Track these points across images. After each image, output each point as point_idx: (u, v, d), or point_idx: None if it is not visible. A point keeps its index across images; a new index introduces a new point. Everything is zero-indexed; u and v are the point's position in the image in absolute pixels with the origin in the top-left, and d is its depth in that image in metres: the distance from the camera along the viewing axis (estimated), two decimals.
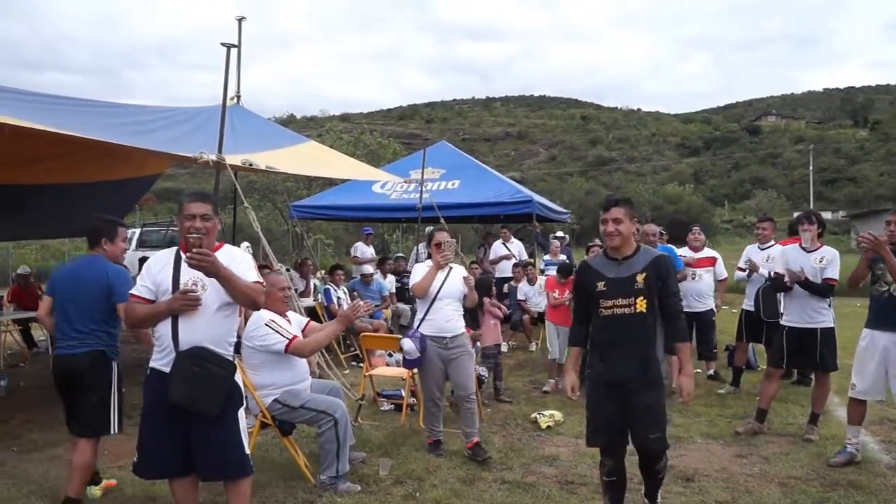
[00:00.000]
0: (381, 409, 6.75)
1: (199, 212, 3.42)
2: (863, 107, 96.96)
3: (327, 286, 9.73)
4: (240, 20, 7.42)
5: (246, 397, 3.93)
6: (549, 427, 6.02)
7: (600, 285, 3.70)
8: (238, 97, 8.85)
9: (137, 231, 19.36)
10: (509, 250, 11.85)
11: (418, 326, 5.43)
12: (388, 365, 7.70)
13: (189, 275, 3.42)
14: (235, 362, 3.62)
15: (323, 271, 11.28)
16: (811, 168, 55.56)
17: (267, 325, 4.58)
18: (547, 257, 11.58)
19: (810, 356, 5.66)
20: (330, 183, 15.36)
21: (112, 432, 4.38)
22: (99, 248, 4.54)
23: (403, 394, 6.50)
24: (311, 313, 9.02)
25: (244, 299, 3.47)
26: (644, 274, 3.63)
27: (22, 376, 8.21)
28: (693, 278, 7.75)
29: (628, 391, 3.64)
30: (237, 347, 3.73)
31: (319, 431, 4.58)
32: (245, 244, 6.76)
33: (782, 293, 6.10)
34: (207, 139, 6.77)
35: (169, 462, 3.49)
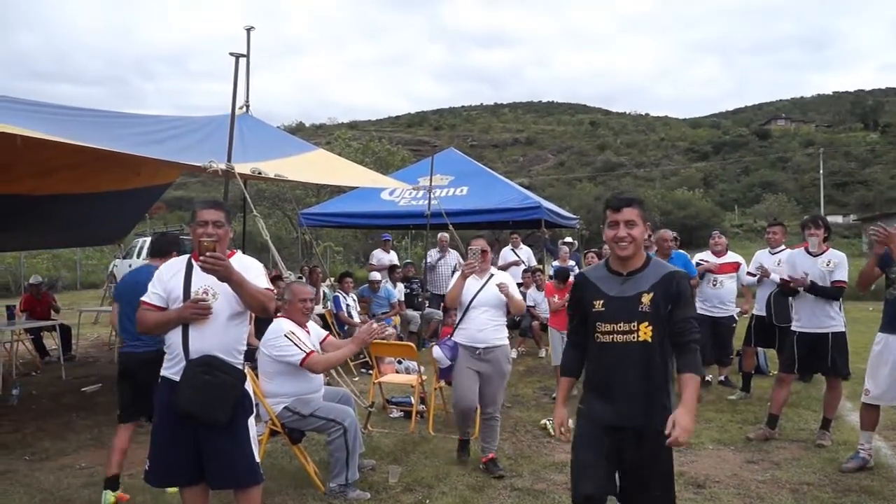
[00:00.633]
0: (391, 416, 6.75)
1: (211, 218, 3.44)
2: (873, 110, 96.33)
3: (336, 294, 9.75)
4: (248, 30, 7.47)
5: (256, 405, 3.94)
6: None
7: (597, 304, 2.98)
8: (247, 106, 8.90)
9: (147, 240, 19.47)
10: (518, 256, 11.85)
11: (452, 334, 5.29)
12: (397, 372, 7.70)
13: (200, 283, 3.44)
14: (245, 370, 3.63)
15: (332, 279, 11.30)
16: (821, 172, 55.29)
17: (286, 336, 4.60)
18: (556, 263, 11.55)
19: (822, 361, 5.63)
20: (339, 190, 15.40)
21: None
22: (159, 260, 4.68)
23: (413, 401, 6.50)
24: (321, 321, 9.04)
25: (256, 305, 3.48)
26: (651, 294, 2.90)
27: (34, 385, 8.26)
28: (714, 285, 7.56)
29: (627, 440, 2.94)
30: (248, 355, 3.74)
31: (329, 439, 4.59)
32: (289, 274, 6.75)
33: (792, 297, 6.06)
34: (217, 148, 6.82)
35: (179, 470, 3.50)
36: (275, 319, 4.74)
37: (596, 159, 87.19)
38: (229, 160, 6.52)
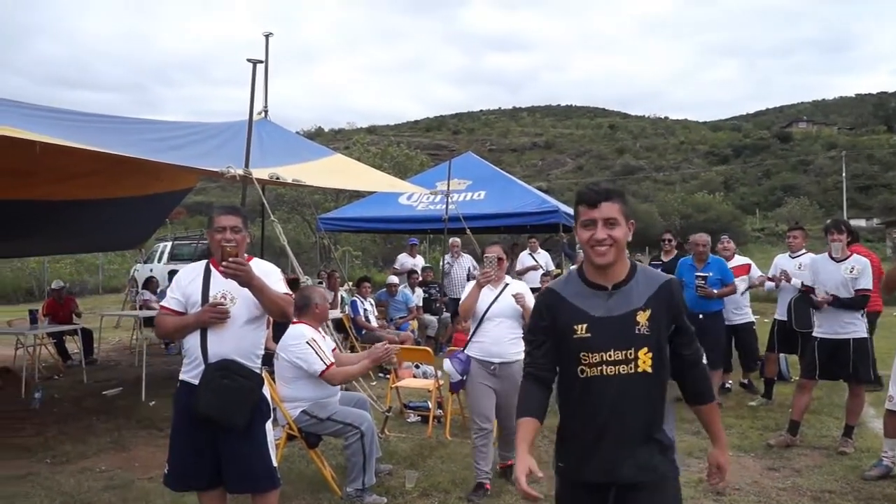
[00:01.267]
0: (408, 420, 6.74)
1: (229, 224, 3.46)
2: None
3: (354, 298, 9.78)
4: (267, 36, 7.53)
5: (273, 409, 3.96)
6: None
7: (580, 329, 2.32)
8: (265, 111, 8.97)
9: (168, 245, 19.65)
10: (536, 261, 11.82)
11: (465, 347, 5.01)
12: (414, 377, 7.70)
13: (218, 287, 3.47)
14: (263, 375, 3.65)
15: (350, 283, 11.34)
16: (844, 175, 54.66)
17: (308, 343, 4.62)
18: (573, 267, 11.50)
19: (843, 367, 5.54)
20: (357, 195, 15.46)
21: None
22: None
23: (430, 405, 6.50)
24: (338, 325, 9.08)
25: (275, 310, 3.51)
26: (648, 311, 2.31)
27: (56, 388, 8.35)
28: None
29: (623, 499, 2.35)
30: (265, 360, 3.76)
31: (346, 444, 4.60)
32: (306, 279, 6.79)
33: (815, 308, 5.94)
34: (235, 153, 6.88)
35: (197, 474, 3.52)
36: (294, 324, 4.75)
37: (615, 163, 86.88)
38: (247, 165, 6.56)
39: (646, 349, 2.29)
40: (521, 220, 12.27)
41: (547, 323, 2.42)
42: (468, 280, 9.22)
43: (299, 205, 24.91)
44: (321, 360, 4.59)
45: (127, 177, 7.91)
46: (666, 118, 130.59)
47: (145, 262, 18.52)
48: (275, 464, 3.63)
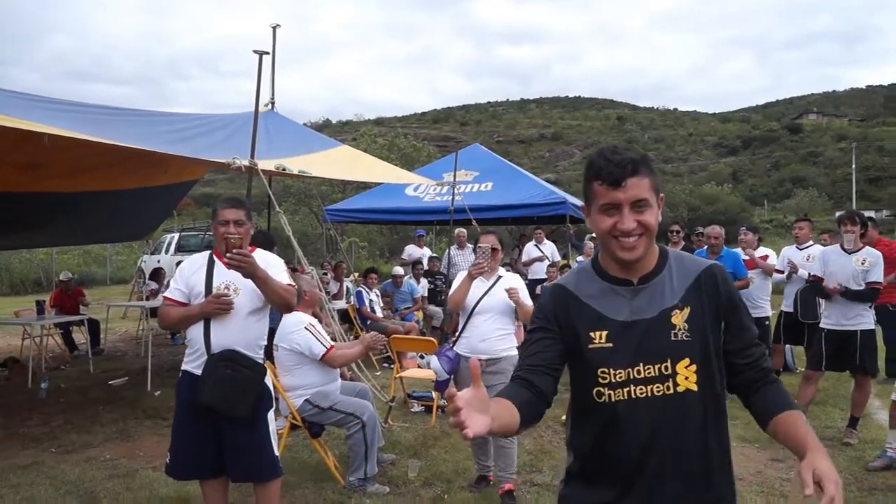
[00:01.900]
0: (412, 410, 6.76)
1: (232, 217, 3.48)
2: None
3: (359, 289, 9.79)
4: (274, 28, 7.51)
5: (276, 399, 3.97)
6: None
7: (598, 338, 1.77)
8: (272, 103, 8.96)
9: (176, 236, 19.71)
10: (542, 252, 11.80)
11: (454, 343, 4.77)
12: (419, 367, 7.71)
13: (222, 278, 3.49)
14: (266, 365, 3.67)
15: (356, 274, 11.35)
16: (854, 166, 54.32)
17: (307, 329, 4.65)
18: (580, 258, 11.49)
19: (850, 358, 5.52)
20: (364, 186, 15.48)
21: None
22: None
23: (434, 396, 6.51)
24: (344, 316, 9.10)
25: (278, 301, 3.53)
26: (686, 309, 1.76)
27: (62, 379, 8.40)
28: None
29: None
30: (268, 350, 3.78)
31: (348, 434, 4.62)
32: (311, 270, 6.84)
33: (825, 299, 5.91)
34: (242, 145, 6.88)
35: (200, 463, 3.54)
36: (294, 314, 4.76)
37: None
38: (253, 157, 6.56)
39: (687, 360, 1.73)
40: (528, 211, 12.23)
41: (554, 329, 1.82)
42: None
43: (306, 196, 24.93)
44: (321, 343, 4.62)
45: (135, 168, 7.93)
46: (675, 109, 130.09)
47: (153, 254, 18.58)
48: (277, 453, 3.65)
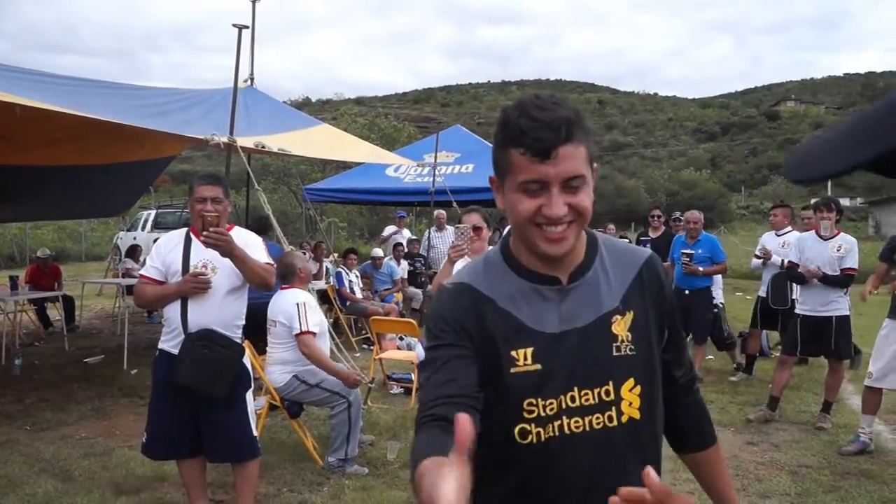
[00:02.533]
0: (391, 392, 6.76)
1: (209, 195, 3.42)
2: (883, 92, 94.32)
3: (339, 269, 9.74)
4: (253, 1, 7.39)
5: (255, 379, 3.94)
6: None
7: (522, 359, 1.32)
8: (252, 79, 8.82)
9: (152, 213, 19.47)
10: None
11: None
12: (398, 349, 7.70)
13: (199, 257, 3.44)
14: (244, 345, 3.63)
15: (335, 254, 11.29)
16: None
17: (297, 305, 4.61)
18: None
19: (825, 344, 5.59)
20: (344, 166, 15.36)
21: None
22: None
23: (413, 377, 6.50)
24: (323, 296, 9.05)
25: (256, 280, 3.49)
26: (629, 313, 1.38)
27: (36, 355, 8.29)
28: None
29: None
30: (247, 329, 3.74)
31: (332, 413, 4.59)
32: (291, 249, 6.83)
33: (799, 284, 5.98)
34: (220, 121, 6.77)
35: (177, 443, 3.52)
36: (284, 289, 4.76)
37: (603, 139, 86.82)
38: (232, 133, 6.47)
39: (632, 381, 1.34)
40: None
41: (466, 345, 1.31)
42: None
43: (285, 175, 24.74)
44: (301, 322, 4.57)
45: (110, 143, 7.79)
46: (655, 94, 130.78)
47: (128, 230, 18.36)
48: (255, 433, 3.64)
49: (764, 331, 7.57)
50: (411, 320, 7.36)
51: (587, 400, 1.32)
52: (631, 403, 1.34)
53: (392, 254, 11.01)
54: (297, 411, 4.76)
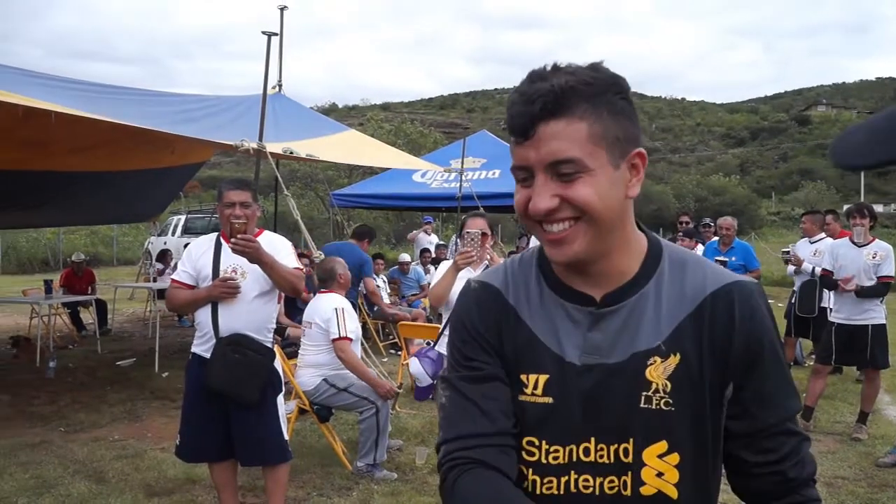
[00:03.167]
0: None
1: (238, 199, 3.44)
2: None
3: None
4: (282, 9, 7.46)
5: (285, 383, 3.96)
6: None
7: (533, 386, 1.09)
8: (280, 86, 8.91)
9: (182, 218, 19.69)
10: None
11: (436, 343, 4.39)
12: None
13: (229, 262, 3.47)
14: (275, 349, 3.65)
15: None
16: None
17: (335, 310, 4.63)
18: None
19: (860, 353, 5.48)
20: (371, 171, 15.42)
21: None
22: (361, 244, 7.47)
23: None
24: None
25: (285, 285, 3.51)
26: (675, 357, 1.05)
27: (70, 358, 8.41)
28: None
29: None
30: (278, 333, 3.76)
31: (361, 418, 4.60)
32: (319, 254, 6.85)
33: (835, 292, 5.86)
34: (249, 127, 6.83)
35: (208, 446, 3.54)
36: (322, 293, 4.82)
37: None
38: (261, 139, 6.52)
39: (663, 445, 1.06)
40: None
41: (497, 361, 1.13)
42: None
43: (313, 180, 24.91)
44: (339, 327, 4.59)
45: (141, 149, 7.90)
46: (683, 99, 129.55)
47: (159, 235, 18.58)
48: (286, 437, 3.64)
49: (798, 339, 7.44)
50: (439, 326, 7.34)
51: (602, 456, 1.07)
52: (661, 474, 1.05)
53: (419, 259, 11.03)
54: (327, 416, 4.77)
